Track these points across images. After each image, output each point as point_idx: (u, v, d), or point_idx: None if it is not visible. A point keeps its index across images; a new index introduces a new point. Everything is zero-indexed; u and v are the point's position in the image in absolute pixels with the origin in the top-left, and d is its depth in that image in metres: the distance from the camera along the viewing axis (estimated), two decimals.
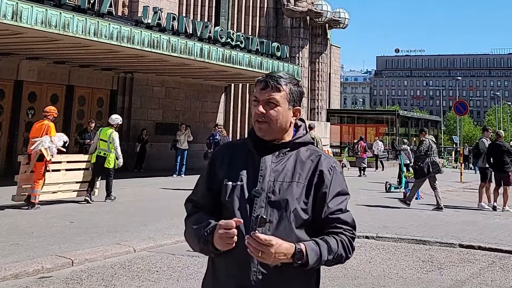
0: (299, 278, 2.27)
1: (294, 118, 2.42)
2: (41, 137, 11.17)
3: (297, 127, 2.47)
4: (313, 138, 15.49)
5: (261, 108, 2.34)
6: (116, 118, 13.32)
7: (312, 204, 2.29)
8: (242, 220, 2.16)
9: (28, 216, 10.36)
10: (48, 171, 11.48)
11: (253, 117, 2.38)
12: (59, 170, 12.21)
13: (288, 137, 2.41)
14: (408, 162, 23.27)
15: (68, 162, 12.69)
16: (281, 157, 2.35)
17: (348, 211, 2.36)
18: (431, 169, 13.57)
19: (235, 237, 2.14)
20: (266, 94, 2.35)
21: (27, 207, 11.17)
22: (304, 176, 2.31)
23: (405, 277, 7.14)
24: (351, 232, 2.32)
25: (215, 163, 2.44)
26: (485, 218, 12.38)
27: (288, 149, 2.37)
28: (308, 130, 2.51)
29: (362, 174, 25.55)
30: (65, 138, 11.90)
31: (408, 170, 22.90)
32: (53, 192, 12.07)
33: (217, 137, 19.03)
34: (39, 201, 11.37)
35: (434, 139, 14.23)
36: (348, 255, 2.30)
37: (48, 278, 6.60)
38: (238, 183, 2.31)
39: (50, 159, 11.31)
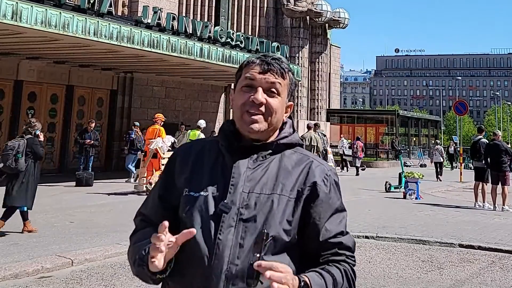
0: None
1: (286, 115, 1.92)
2: (155, 138, 14.17)
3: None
4: (311, 138, 15.67)
5: (261, 95, 1.79)
6: (204, 123, 17.02)
7: (300, 224, 1.77)
8: (194, 231, 1.63)
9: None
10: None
11: (239, 107, 1.82)
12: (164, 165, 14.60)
13: (272, 136, 1.87)
14: (442, 160, 25.66)
15: None
16: (260, 162, 1.81)
17: (348, 232, 1.87)
18: None
19: (161, 252, 1.60)
20: (269, 78, 1.82)
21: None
22: (289, 187, 1.77)
23: (405, 277, 7.14)
24: (354, 259, 1.84)
25: (174, 166, 1.89)
26: (485, 218, 12.38)
27: (270, 151, 1.83)
28: (295, 128, 1.98)
29: (357, 173, 25.99)
30: (173, 139, 14.96)
31: (441, 168, 25.40)
32: None
33: (132, 135, 18.58)
34: None
35: (321, 133, 16.59)
36: None
37: (48, 278, 6.60)
38: (202, 193, 1.77)
39: (162, 156, 14.05)
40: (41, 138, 9.46)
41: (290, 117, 1.96)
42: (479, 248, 8.96)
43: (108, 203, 12.56)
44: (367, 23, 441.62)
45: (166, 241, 1.60)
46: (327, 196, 1.81)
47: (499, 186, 14.15)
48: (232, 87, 1.95)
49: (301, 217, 1.77)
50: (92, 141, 17.11)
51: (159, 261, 1.61)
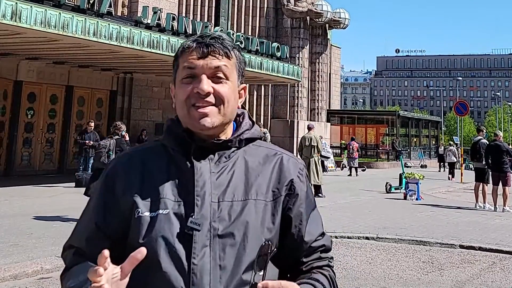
0: None
1: (240, 101, 1.63)
2: None
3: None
4: (311, 139, 15.64)
5: (206, 84, 1.50)
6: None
7: (281, 230, 1.53)
8: (144, 250, 1.29)
9: (27, 217, 10.34)
10: None
11: (183, 103, 1.53)
12: None
13: (228, 131, 1.59)
14: (455, 160, 27.22)
15: None
16: (224, 163, 1.52)
17: (325, 232, 1.65)
18: None
19: None
20: (211, 62, 1.53)
21: None
22: (263, 189, 1.51)
23: (406, 278, 7.12)
24: (332, 261, 1.64)
25: (113, 184, 1.53)
26: (486, 219, 12.35)
27: (233, 150, 1.55)
28: (253, 120, 1.68)
29: (356, 173, 26.15)
30: None
31: (453, 168, 26.72)
32: None
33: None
34: None
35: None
36: None
37: (47, 279, 6.58)
38: (160, 212, 1.45)
39: None
40: (127, 138, 11.16)
41: (243, 107, 1.67)
42: (480, 249, 8.94)
43: None
44: (367, 23, 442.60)
45: (109, 274, 1.24)
46: (305, 194, 1.58)
47: (500, 187, 14.12)
48: (172, 82, 1.64)
49: (281, 221, 1.53)
50: (92, 142, 17.08)
51: None
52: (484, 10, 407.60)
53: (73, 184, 15.92)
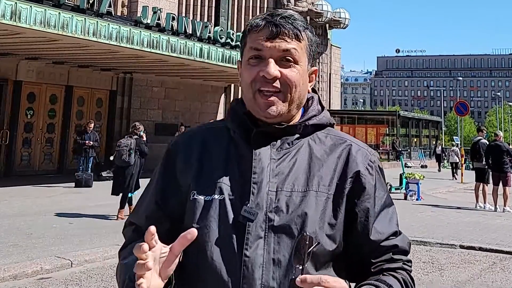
0: None
1: (310, 85, 1.52)
2: None
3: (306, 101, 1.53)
4: None
5: (273, 68, 1.40)
6: None
7: (345, 226, 1.41)
8: (195, 232, 1.20)
9: (27, 217, 10.33)
10: None
11: (248, 85, 1.43)
12: None
13: (297, 117, 1.49)
14: (458, 160, 27.28)
15: None
16: (286, 151, 1.42)
17: (401, 232, 1.50)
18: None
19: (149, 270, 1.17)
20: (280, 45, 1.42)
21: None
22: (326, 181, 1.40)
23: None
24: (410, 264, 1.48)
25: (174, 164, 1.48)
26: (486, 219, 12.34)
27: (297, 136, 1.45)
28: (323, 105, 1.57)
29: None
30: None
31: (456, 167, 27.13)
32: None
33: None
34: None
35: None
36: None
37: (47, 279, 6.58)
38: (215, 196, 1.38)
39: None
40: (144, 138, 11.44)
41: (315, 91, 1.56)
42: (480, 249, 8.93)
43: (108, 204, 12.51)
44: (367, 23, 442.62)
45: (157, 253, 1.18)
46: (374, 188, 1.45)
47: (500, 187, 14.10)
48: (239, 58, 1.55)
49: (345, 217, 1.41)
50: (92, 142, 17.06)
51: (148, 282, 1.17)
52: (484, 10, 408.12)
53: (73, 184, 15.92)
